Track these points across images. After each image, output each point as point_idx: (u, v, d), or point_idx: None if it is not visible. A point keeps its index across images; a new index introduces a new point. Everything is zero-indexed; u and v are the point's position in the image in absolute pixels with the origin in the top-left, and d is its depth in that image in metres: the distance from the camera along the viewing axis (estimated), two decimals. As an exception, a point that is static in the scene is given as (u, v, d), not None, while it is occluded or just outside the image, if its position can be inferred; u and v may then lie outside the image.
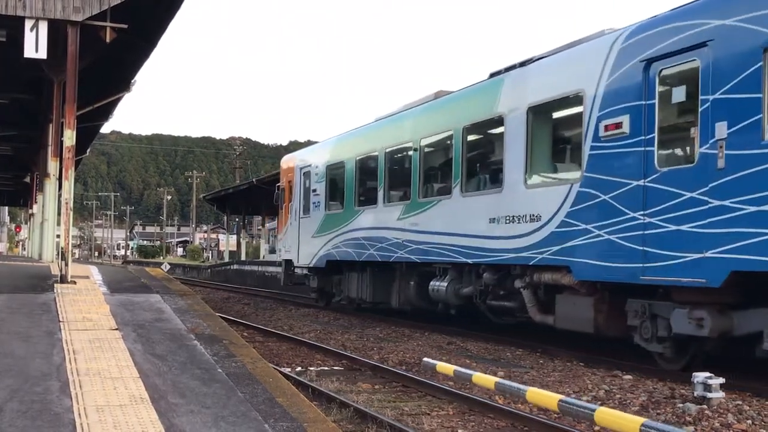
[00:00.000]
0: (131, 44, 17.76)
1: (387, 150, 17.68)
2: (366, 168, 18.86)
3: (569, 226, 11.62)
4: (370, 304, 19.39)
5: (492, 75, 14.28)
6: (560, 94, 12.12)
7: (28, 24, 13.74)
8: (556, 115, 12.93)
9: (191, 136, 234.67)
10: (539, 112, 12.74)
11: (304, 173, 22.42)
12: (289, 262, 23.88)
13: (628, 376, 10.55)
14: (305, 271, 23.04)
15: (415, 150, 16.29)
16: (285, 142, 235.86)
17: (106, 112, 24.73)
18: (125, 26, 14.52)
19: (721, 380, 8.42)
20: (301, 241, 22.36)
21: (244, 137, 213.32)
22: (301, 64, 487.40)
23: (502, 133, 13.47)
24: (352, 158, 19.20)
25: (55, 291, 12.34)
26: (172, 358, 8.00)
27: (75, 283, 13.53)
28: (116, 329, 9.34)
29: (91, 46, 15.04)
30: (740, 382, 9.44)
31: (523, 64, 13.38)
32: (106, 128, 47.27)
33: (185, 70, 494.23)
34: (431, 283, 15.78)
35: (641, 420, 6.46)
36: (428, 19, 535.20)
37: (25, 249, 64.82)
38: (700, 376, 8.42)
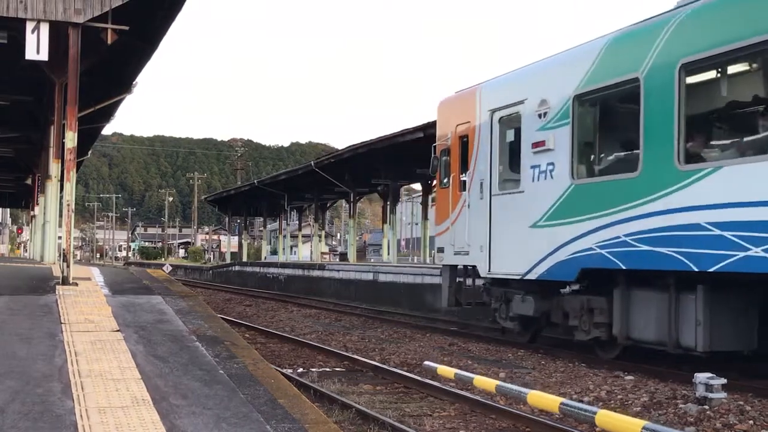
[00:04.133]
0: (132, 46, 17.79)
1: None
2: (714, 83, 10.48)
3: None
4: (700, 354, 9.98)
5: None
6: None
7: (30, 26, 13.75)
8: None
9: (193, 138, 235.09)
10: None
11: (502, 117, 13.74)
12: (456, 270, 15.34)
13: (630, 377, 10.55)
14: (487, 284, 14.53)
15: None
16: (286, 143, 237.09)
17: (107, 114, 24.74)
18: (126, 28, 14.54)
19: (723, 381, 8.43)
20: (496, 235, 13.70)
21: (246, 139, 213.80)
22: (302, 66, 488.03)
23: None
24: (665, 66, 10.23)
25: (56, 293, 12.32)
26: (174, 359, 7.99)
27: (77, 284, 13.51)
28: (118, 331, 9.34)
29: (93, 48, 15.06)
30: (742, 383, 9.45)
31: None
32: (107, 130, 47.43)
33: (187, 72, 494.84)
34: None
35: (642, 422, 6.47)
36: (430, 22, 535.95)
37: (26, 251, 64.87)
38: (701, 377, 8.43)
